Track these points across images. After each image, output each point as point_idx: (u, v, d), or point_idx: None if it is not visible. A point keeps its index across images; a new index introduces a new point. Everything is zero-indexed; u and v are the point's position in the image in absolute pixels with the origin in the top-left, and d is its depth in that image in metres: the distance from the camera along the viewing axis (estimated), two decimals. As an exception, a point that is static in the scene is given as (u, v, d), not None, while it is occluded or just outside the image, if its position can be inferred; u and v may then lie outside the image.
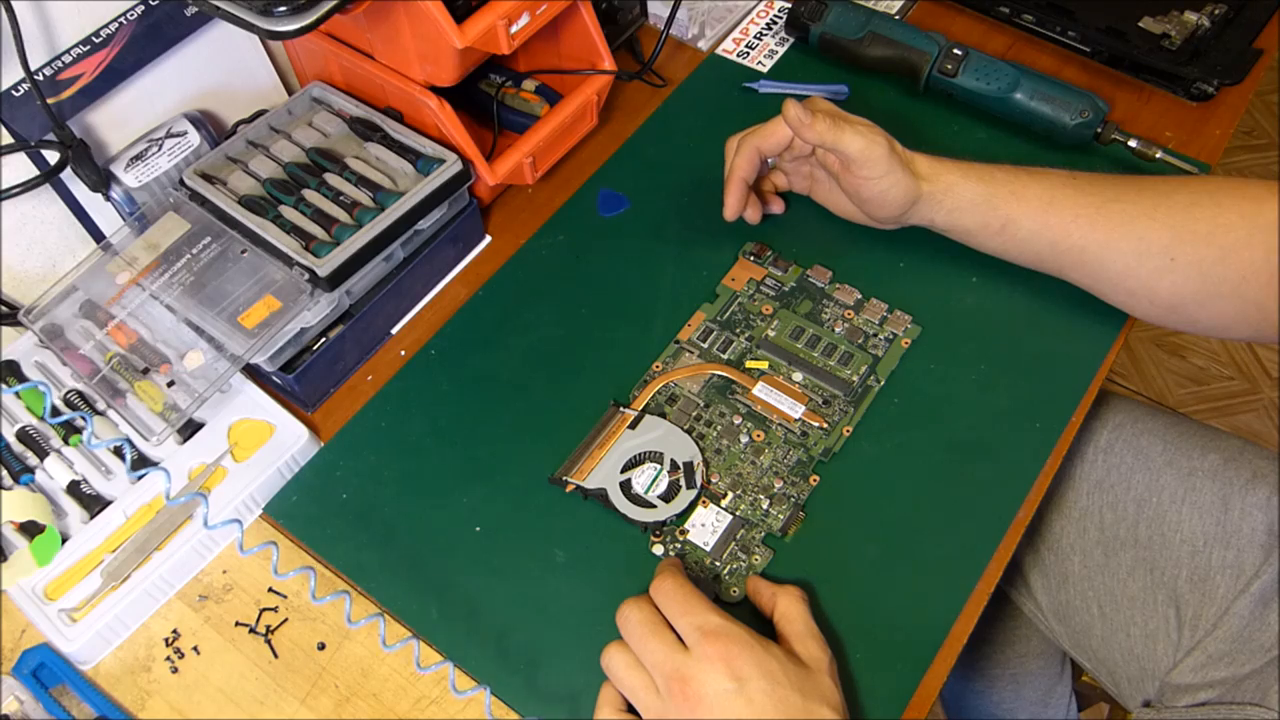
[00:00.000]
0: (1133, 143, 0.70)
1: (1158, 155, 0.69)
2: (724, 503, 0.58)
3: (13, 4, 0.54)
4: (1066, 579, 0.72)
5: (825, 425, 0.60)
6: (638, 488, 0.57)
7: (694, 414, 0.61)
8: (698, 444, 0.59)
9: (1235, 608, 0.64)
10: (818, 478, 0.59)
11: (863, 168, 0.61)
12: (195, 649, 0.56)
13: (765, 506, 0.57)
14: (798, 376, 0.62)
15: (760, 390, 0.61)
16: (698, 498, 0.58)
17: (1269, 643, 0.62)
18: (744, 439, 0.60)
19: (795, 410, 0.60)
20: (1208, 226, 0.57)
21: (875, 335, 0.64)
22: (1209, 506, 0.66)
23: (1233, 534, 0.65)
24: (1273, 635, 0.62)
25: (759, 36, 0.83)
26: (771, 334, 0.64)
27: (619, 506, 0.57)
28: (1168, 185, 0.60)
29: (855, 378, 0.62)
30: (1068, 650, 0.76)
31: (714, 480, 0.59)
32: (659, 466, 0.58)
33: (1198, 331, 0.62)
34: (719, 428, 0.60)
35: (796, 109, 0.61)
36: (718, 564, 0.56)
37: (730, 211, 0.67)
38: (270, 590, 0.58)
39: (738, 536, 0.57)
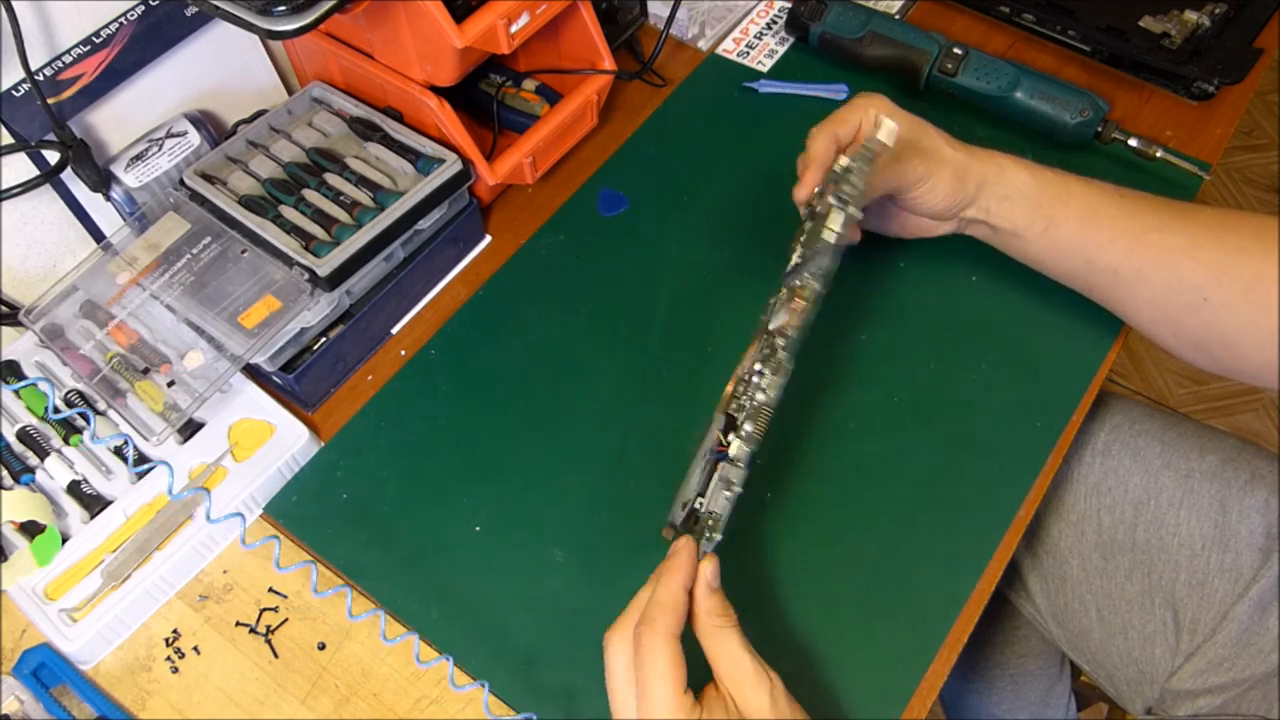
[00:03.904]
0: (1133, 142, 0.70)
1: (1158, 154, 0.69)
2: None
3: (13, 4, 0.54)
4: (1064, 582, 0.72)
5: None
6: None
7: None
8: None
9: (1234, 612, 0.64)
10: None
11: (909, 192, 0.60)
12: (195, 649, 0.56)
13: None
14: None
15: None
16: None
17: (1269, 647, 0.62)
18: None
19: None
20: (1251, 275, 0.54)
21: None
22: (1207, 509, 0.66)
23: (1231, 537, 0.65)
24: (1272, 640, 0.62)
25: (759, 36, 0.83)
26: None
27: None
28: (1219, 223, 0.57)
29: None
30: (1067, 652, 0.76)
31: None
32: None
33: (1220, 372, 0.59)
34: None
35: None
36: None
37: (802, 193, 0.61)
38: (270, 590, 0.58)
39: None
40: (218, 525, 0.58)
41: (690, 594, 0.48)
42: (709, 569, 0.48)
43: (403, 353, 0.66)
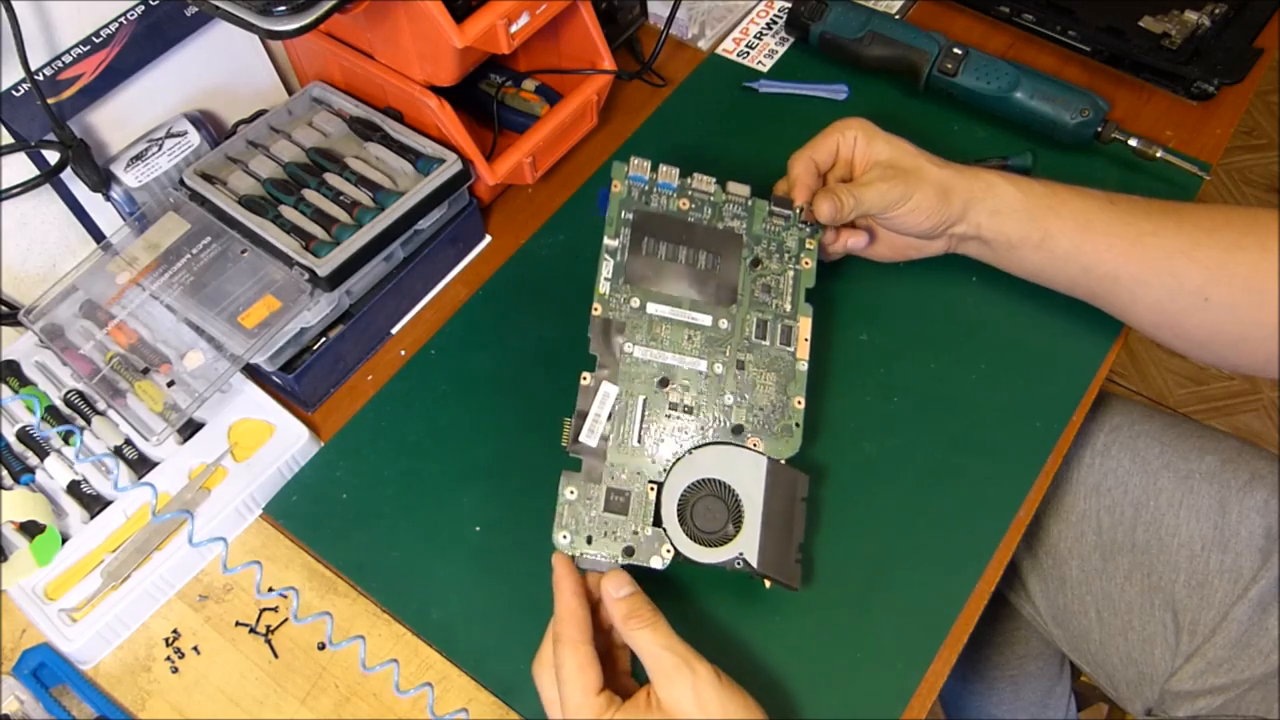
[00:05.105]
0: (1133, 142, 0.70)
1: (1158, 154, 0.69)
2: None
3: (13, 4, 0.54)
4: (1064, 583, 0.72)
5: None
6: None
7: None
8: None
9: (1234, 613, 0.64)
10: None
11: (889, 211, 0.59)
12: (195, 649, 0.56)
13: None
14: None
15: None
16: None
17: (1268, 648, 0.62)
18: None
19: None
20: (1249, 270, 0.55)
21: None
22: (1206, 510, 0.66)
23: (1230, 538, 0.65)
24: (1272, 641, 0.62)
25: (759, 36, 0.83)
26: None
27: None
28: (1212, 221, 0.57)
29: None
30: (1066, 653, 0.76)
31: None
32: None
33: (1227, 368, 0.60)
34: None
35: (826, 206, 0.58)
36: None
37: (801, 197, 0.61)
38: (270, 590, 0.58)
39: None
40: (218, 524, 0.58)
41: (591, 601, 0.50)
42: (611, 583, 0.50)
43: (403, 353, 0.66)
